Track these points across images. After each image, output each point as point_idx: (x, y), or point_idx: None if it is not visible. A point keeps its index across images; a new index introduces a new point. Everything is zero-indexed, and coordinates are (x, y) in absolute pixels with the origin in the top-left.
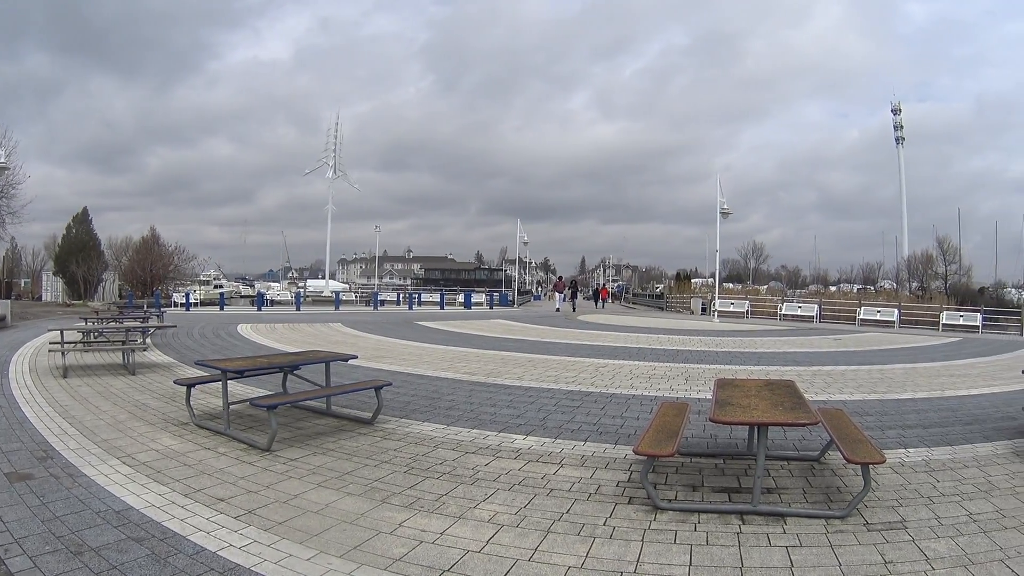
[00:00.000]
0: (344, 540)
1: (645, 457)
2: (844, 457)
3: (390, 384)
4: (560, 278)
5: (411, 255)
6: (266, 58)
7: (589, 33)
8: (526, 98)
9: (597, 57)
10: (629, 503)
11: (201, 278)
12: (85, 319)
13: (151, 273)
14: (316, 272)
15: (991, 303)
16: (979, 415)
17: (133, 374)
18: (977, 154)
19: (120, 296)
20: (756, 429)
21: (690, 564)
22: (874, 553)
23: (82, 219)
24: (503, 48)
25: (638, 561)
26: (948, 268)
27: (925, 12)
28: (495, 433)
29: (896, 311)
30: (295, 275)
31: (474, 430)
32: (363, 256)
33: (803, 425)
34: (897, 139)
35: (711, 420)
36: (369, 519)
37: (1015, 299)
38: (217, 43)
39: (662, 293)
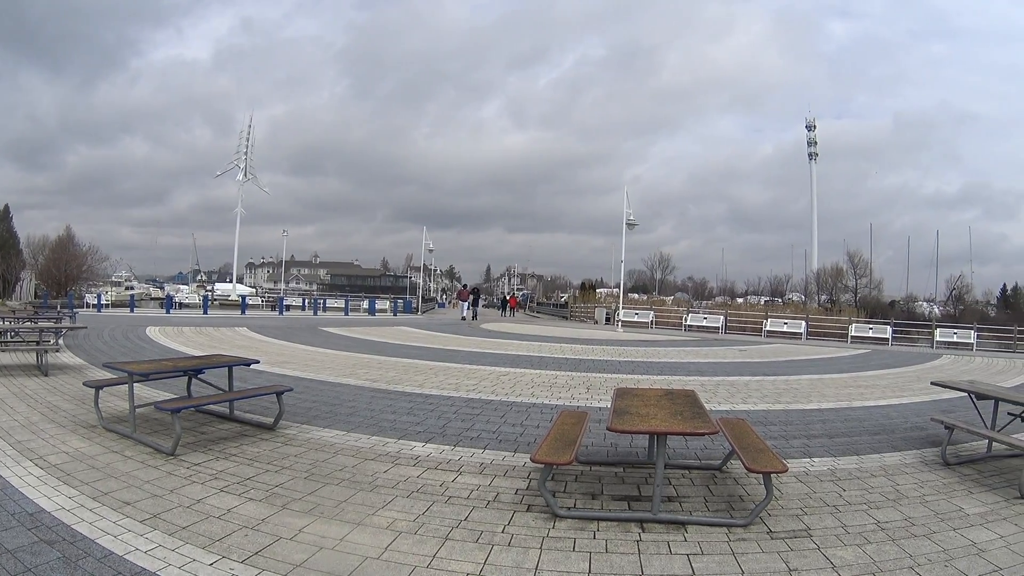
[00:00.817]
0: (246, 545)
1: (543, 465)
2: (745, 466)
3: (291, 389)
4: (464, 286)
5: (318, 260)
6: (188, 57)
7: (506, 42)
8: (439, 105)
9: (512, 66)
10: (528, 511)
11: (113, 279)
12: (2, 318)
13: (65, 273)
14: (224, 276)
15: (902, 316)
16: (887, 425)
17: (46, 375)
18: (893, 171)
19: (36, 296)
20: (655, 438)
21: (589, 572)
22: (778, 561)
23: (3, 217)
24: (420, 54)
25: (536, 568)
26: (858, 281)
27: (847, 31)
28: (395, 440)
29: (803, 323)
30: (204, 278)
31: (374, 437)
32: (271, 260)
33: (702, 434)
34: (810, 154)
35: (609, 429)
36: (270, 524)
37: (926, 312)
38: (142, 40)
39: (567, 302)
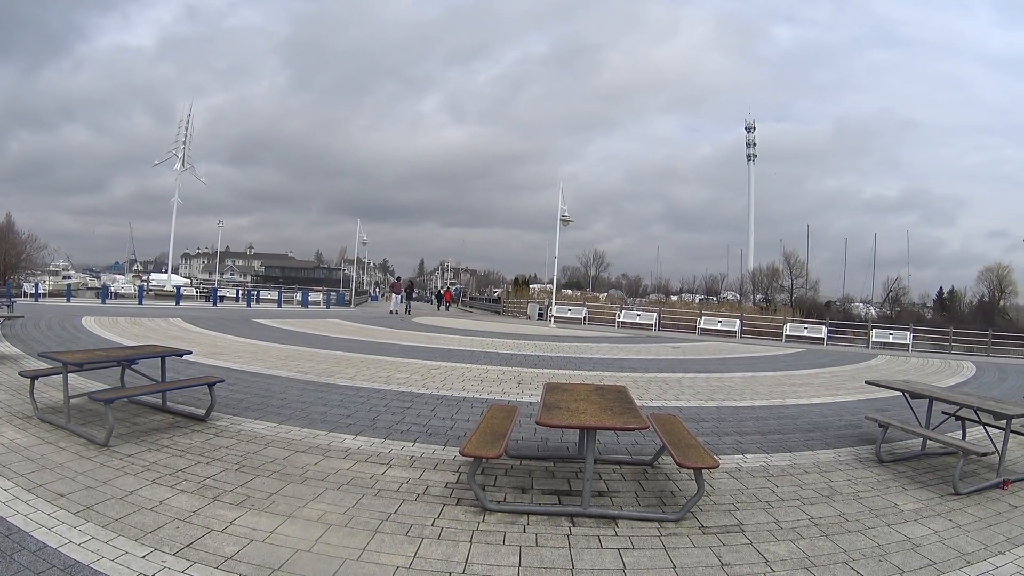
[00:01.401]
0: (178, 538)
1: (472, 458)
2: (676, 462)
3: (223, 380)
4: (398, 279)
5: (252, 251)
6: (132, 44)
7: (448, 37)
8: (378, 98)
9: (453, 61)
10: (457, 504)
11: (51, 268)
12: None
13: (4, 262)
14: (160, 266)
15: (838, 316)
16: (821, 423)
17: None
18: (833, 175)
19: None
20: (585, 432)
21: (519, 565)
22: (710, 555)
23: None
24: (361, 47)
25: (466, 562)
26: (794, 282)
27: (791, 36)
28: (325, 432)
29: (738, 321)
30: (140, 268)
31: (304, 429)
32: (206, 251)
33: (632, 429)
34: (749, 156)
35: (538, 423)
36: (202, 516)
37: (862, 313)
38: (88, 26)
39: (499, 297)
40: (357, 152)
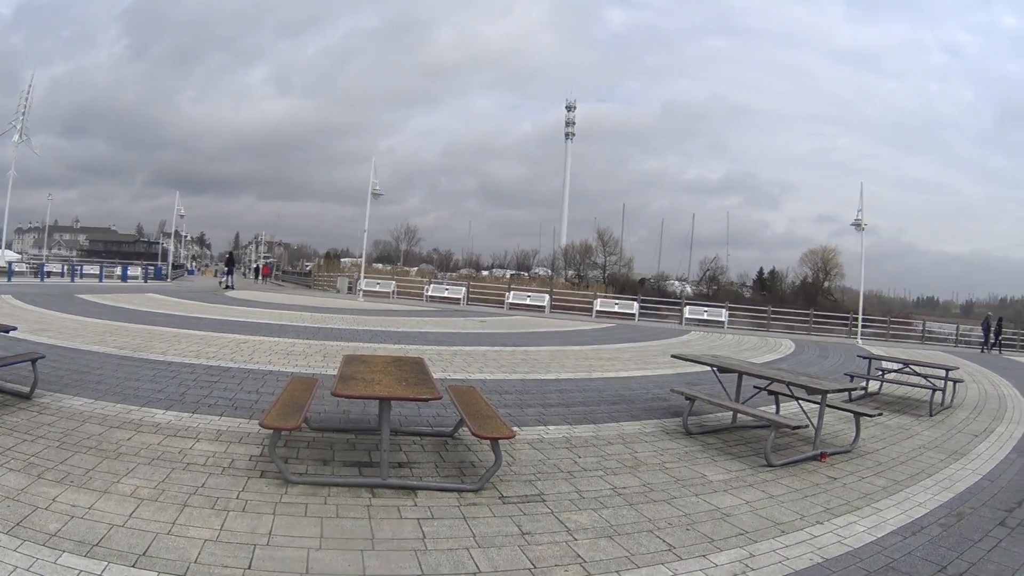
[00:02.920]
0: (8, 516)
1: (272, 430)
2: (472, 432)
3: (44, 357)
4: (230, 254)
5: (79, 225)
6: None
7: (282, 8)
8: (207, 69)
9: (285, 33)
10: (261, 477)
11: None
12: None
13: None
14: None
15: (652, 293)
16: (627, 395)
17: None
18: (656, 156)
19: None
20: (381, 403)
21: (321, 536)
22: (510, 524)
23: None
24: (198, 17)
25: (270, 534)
26: (608, 259)
27: (624, 20)
28: (138, 407)
29: (547, 296)
30: None
31: (119, 404)
32: (37, 225)
33: (425, 400)
34: (567, 134)
35: (333, 394)
36: (28, 494)
37: (678, 291)
38: None
39: (311, 271)
40: (183, 123)
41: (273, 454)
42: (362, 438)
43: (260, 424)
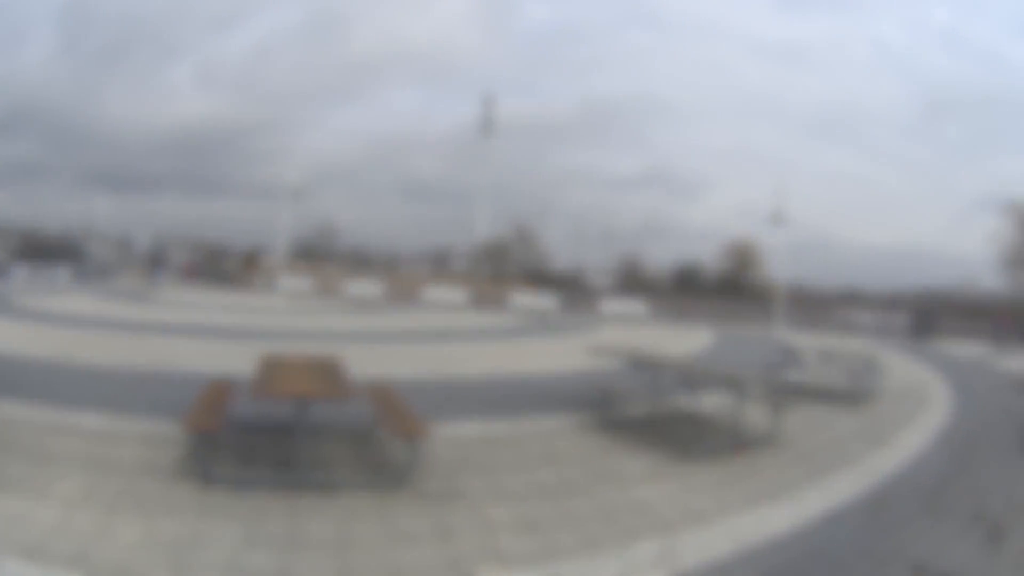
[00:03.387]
0: None
1: (193, 433)
2: (388, 430)
3: None
4: (155, 253)
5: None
6: None
7: (208, 3)
8: (133, 66)
9: (209, 29)
10: (184, 479)
11: None
12: None
13: None
14: None
15: (570, 287)
16: (544, 390)
17: None
18: (577, 150)
19: None
20: (298, 403)
21: (244, 537)
22: (430, 521)
23: None
24: (127, 12)
25: (194, 535)
26: (527, 253)
27: (546, 14)
28: (64, 412)
29: (465, 291)
30: None
31: (46, 408)
32: None
33: (340, 398)
34: (486, 130)
35: (252, 395)
36: None
37: (597, 284)
38: None
39: (231, 269)
40: (109, 122)
41: (194, 456)
42: (282, 438)
43: (182, 427)
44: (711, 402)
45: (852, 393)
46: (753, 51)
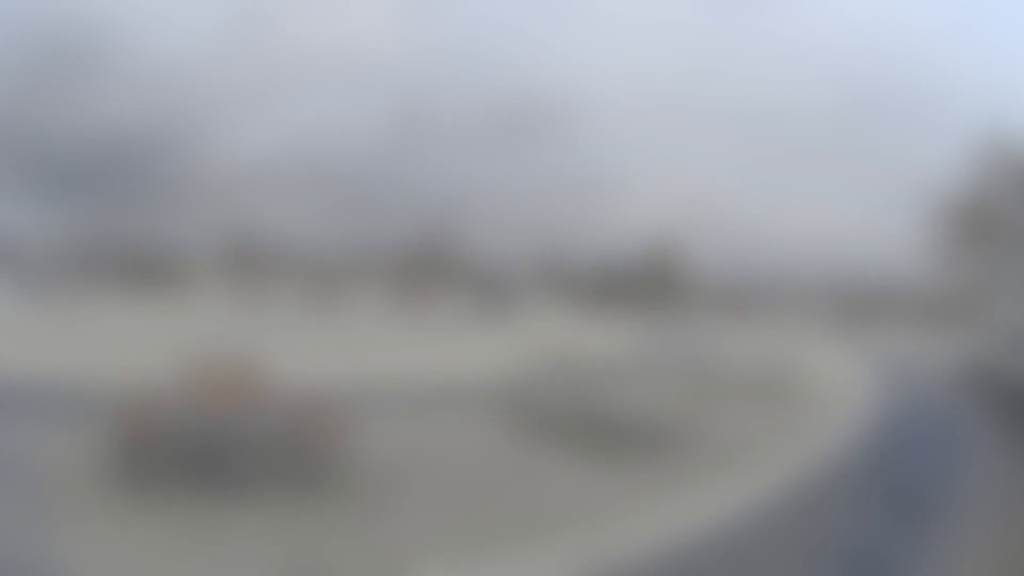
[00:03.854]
0: None
1: (119, 441)
2: (307, 433)
3: None
4: None
5: None
6: None
7: None
8: None
9: None
10: (108, 488)
11: None
12: None
13: None
14: None
15: None
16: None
17: None
18: (496, 152)
19: None
20: (218, 408)
21: (165, 543)
22: (352, 521)
23: None
24: None
25: (120, 543)
26: None
27: (469, 16)
28: None
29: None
30: None
31: None
32: None
33: (258, 405)
34: (409, 131)
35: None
36: None
37: None
38: None
39: None
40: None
41: (117, 465)
42: (204, 443)
43: (108, 435)
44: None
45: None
46: (676, 47)
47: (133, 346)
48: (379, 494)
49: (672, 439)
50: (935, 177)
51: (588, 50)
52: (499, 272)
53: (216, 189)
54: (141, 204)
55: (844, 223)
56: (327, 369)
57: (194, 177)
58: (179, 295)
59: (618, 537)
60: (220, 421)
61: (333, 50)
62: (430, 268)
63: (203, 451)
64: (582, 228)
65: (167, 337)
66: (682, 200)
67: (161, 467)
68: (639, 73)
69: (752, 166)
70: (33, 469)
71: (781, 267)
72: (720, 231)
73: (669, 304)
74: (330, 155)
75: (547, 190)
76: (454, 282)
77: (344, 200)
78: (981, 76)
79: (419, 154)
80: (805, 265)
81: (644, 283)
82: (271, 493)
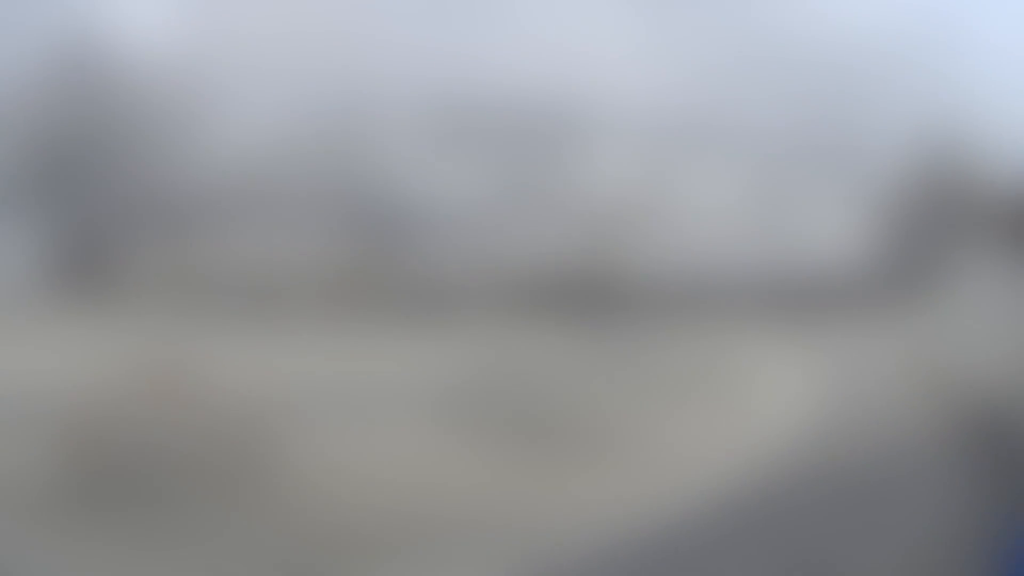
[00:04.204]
0: None
1: (65, 461)
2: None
3: None
4: None
5: None
6: None
7: None
8: None
9: None
10: (60, 506)
11: None
12: None
13: None
14: None
15: None
16: None
17: None
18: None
19: None
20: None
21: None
22: None
23: None
24: None
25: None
26: None
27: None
28: None
29: None
30: None
31: None
32: None
33: (189, 417)
34: None
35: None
36: None
37: None
38: None
39: None
40: None
41: (54, 477)
42: (141, 458)
43: (43, 446)
44: None
45: None
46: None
47: (69, 355)
48: (317, 501)
49: (615, 442)
50: (884, 168)
51: (527, 59)
52: (441, 276)
53: (160, 192)
54: (79, 208)
55: (790, 216)
56: (266, 376)
57: (135, 180)
58: (115, 302)
59: (557, 539)
60: (157, 430)
61: (269, 50)
62: (372, 272)
63: (141, 461)
64: (523, 226)
65: (105, 346)
66: (621, 197)
67: (99, 478)
68: (581, 80)
69: (692, 161)
70: None
71: (724, 262)
72: (661, 226)
73: (611, 305)
74: (268, 157)
75: (491, 192)
76: (395, 286)
77: (282, 202)
78: (936, 66)
79: (356, 156)
80: (749, 259)
81: (585, 284)
82: (209, 503)
